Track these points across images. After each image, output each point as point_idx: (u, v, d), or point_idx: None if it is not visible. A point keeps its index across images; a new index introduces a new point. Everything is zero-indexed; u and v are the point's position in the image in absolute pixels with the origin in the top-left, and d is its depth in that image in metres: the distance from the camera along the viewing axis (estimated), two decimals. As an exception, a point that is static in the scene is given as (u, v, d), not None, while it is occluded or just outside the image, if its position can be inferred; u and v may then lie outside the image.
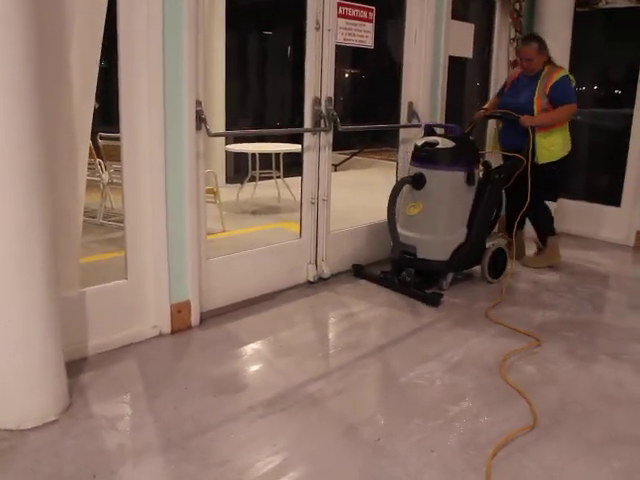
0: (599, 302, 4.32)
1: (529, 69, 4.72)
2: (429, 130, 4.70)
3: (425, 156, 4.35)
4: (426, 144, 4.39)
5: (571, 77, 4.67)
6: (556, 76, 4.61)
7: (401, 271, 4.40)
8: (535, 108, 4.64)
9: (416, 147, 4.48)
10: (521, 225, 5.07)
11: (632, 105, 5.68)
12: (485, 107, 5.18)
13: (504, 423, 2.69)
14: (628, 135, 5.74)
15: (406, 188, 4.41)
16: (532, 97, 4.64)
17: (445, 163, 4.28)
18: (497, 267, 4.64)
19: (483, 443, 2.53)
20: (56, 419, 2.60)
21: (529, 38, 4.80)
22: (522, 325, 3.78)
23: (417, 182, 4.29)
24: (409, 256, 4.34)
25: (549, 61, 4.73)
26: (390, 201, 4.29)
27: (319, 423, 2.66)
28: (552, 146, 4.68)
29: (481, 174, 4.56)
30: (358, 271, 4.69)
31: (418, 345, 3.51)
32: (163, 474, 2.31)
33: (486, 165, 4.60)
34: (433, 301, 4.12)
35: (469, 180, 4.31)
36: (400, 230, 4.38)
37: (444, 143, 4.34)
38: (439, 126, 4.88)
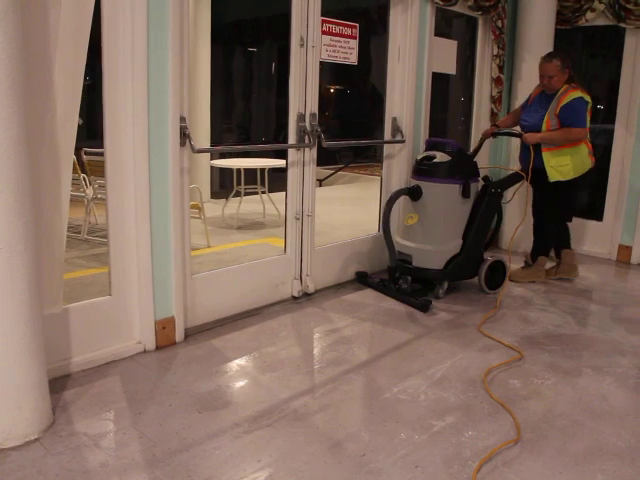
0: (583, 316, 4.35)
1: (549, 87, 4.62)
2: (430, 145, 4.83)
3: (422, 169, 4.57)
4: (424, 158, 4.60)
5: (586, 98, 4.52)
6: (569, 97, 4.50)
7: (397, 278, 4.59)
8: (544, 128, 4.59)
9: (416, 161, 4.66)
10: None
11: (613, 121, 5.76)
12: (497, 123, 5.18)
13: (489, 437, 2.70)
14: (610, 150, 5.81)
15: (406, 200, 4.59)
16: (544, 117, 4.59)
17: (441, 176, 4.47)
18: (495, 279, 4.73)
19: (468, 458, 2.54)
20: (39, 437, 2.57)
21: (552, 55, 4.65)
22: (507, 338, 3.80)
23: (414, 194, 4.52)
24: (406, 264, 4.55)
25: (570, 79, 4.61)
26: (385, 211, 4.53)
27: (304, 439, 2.66)
28: (561, 166, 4.60)
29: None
30: (361, 278, 4.90)
31: (402, 360, 3.51)
32: (147, 492, 2.30)
33: (486, 179, 4.70)
34: (423, 307, 4.30)
35: (464, 193, 4.46)
36: (399, 239, 4.67)
37: (441, 157, 4.52)
38: (438, 141, 4.95)
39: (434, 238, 4.51)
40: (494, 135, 5.09)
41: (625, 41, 5.62)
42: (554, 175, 4.63)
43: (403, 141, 5.02)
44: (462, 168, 4.53)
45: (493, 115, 5.91)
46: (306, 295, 4.49)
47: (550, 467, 2.50)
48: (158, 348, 3.50)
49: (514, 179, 4.78)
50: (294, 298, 4.42)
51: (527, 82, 5.78)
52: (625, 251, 5.79)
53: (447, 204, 4.49)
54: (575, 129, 4.50)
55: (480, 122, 5.99)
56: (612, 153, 5.78)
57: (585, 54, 6.67)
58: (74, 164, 3.98)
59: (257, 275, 4.20)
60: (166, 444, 2.57)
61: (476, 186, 4.62)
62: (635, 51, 5.55)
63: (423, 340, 3.80)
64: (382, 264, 5.18)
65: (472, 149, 5.08)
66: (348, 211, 7.93)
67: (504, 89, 5.94)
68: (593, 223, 5.98)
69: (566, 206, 4.90)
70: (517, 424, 2.79)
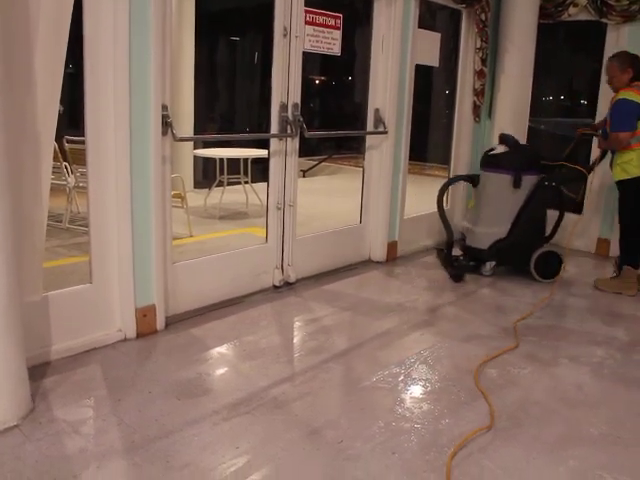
0: (561, 307, 4.40)
1: (612, 87, 4.57)
2: (503, 139, 5.09)
3: (483, 160, 5.11)
4: (489, 150, 5.13)
5: (630, 98, 4.34)
6: (615, 98, 4.45)
7: (452, 253, 5.16)
8: (608, 128, 4.55)
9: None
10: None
11: (593, 115, 5.80)
12: (594, 124, 5.16)
13: (465, 425, 2.74)
14: (590, 144, 5.84)
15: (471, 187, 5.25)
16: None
17: (495, 166, 4.95)
18: (547, 269, 4.97)
19: (444, 444, 2.58)
20: (18, 424, 2.58)
21: (613, 55, 4.57)
22: (485, 328, 3.85)
23: (472, 180, 5.17)
24: (463, 242, 5.23)
25: (637, 78, 4.44)
26: (439, 194, 5.07)
27: (283, 426, 2.68)
28: (625, 162, 4.44)
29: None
30: (439, 253, 5.52)
31: (381, 349, 3.54)
32: (126, 477, 2.31)
33: (548, 173, 4.92)
34: (455, 277, 4.91)
35: (515, 183, 4.83)
36: (462, 221, 5.38)
37: (498, 150, 5.02)
38: (503, 135, 5.15)
39: (482, 221, 5.01)
40: (583, 136, 5.18)
41: (607, 36, 5.66)
42: (618, 174, 4.53)
43: (385, 132, 5.04)
44: (515, 160, 4.88)
45: (475, 107, 5.95)
46: (287, 284, 4.51)
47: (524, 453, 2.55)
48: (139, 336, 3.51)
49: (570, 175, 4.95)
50: (275, 287, 4.44)
51: (509, 75, 5.82)
52: (603, 244, 5.85)
53: (498, 192, 4.92)
54: (613, 134, 4.42)
55: (463, 114, 6.03)
56: (592, 147, 5.82)
57: (568, 48, 6.72)
58: (55, 152, 3.95)
59: (238, 264, 4.21)
60: (145, 431, 2.59)
61: (533, 178, 4.86)
62: (616, 46, 5.58)
63: (402, 329, 3.84)
64: (363, 254, 5.23)
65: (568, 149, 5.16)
66: (330, 202, 7.94)
67: (487, 82, 5.97)
68: (573, 216, 6.02)
69: (631, 206, 4.58)
70: (492, 412, 2.83)
